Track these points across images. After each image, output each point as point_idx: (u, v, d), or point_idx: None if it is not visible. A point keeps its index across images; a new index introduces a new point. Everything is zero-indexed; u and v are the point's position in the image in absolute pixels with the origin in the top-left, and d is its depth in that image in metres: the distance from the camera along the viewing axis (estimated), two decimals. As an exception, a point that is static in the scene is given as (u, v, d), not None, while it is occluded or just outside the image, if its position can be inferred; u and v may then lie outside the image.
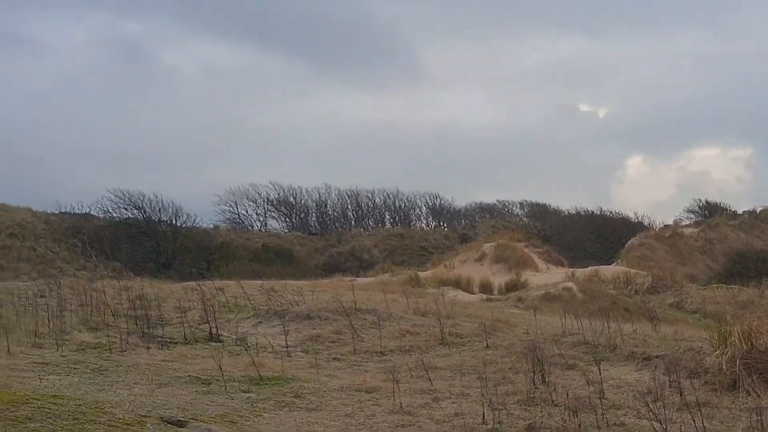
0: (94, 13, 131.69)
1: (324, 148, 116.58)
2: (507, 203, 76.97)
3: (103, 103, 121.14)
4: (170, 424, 8.38)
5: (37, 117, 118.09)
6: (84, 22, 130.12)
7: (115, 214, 54.34)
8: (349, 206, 73.18)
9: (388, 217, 74.23)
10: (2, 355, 12.17)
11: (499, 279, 35.83)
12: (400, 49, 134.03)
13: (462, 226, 70.69)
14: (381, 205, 73.99)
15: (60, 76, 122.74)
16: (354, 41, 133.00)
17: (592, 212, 70.01)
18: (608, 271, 39.91)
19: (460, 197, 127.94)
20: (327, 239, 62.55)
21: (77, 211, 55.26)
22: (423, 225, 73.82)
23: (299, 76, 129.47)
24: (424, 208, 75.05)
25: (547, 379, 10.99)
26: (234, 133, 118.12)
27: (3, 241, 47.93)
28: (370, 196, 73.33)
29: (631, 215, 71.88)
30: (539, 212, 73.73)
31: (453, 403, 10.00)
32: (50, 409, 8.31)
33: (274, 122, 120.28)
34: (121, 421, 8.18)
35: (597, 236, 63.15)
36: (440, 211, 75.18)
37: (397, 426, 8.92)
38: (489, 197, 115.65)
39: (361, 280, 36.12)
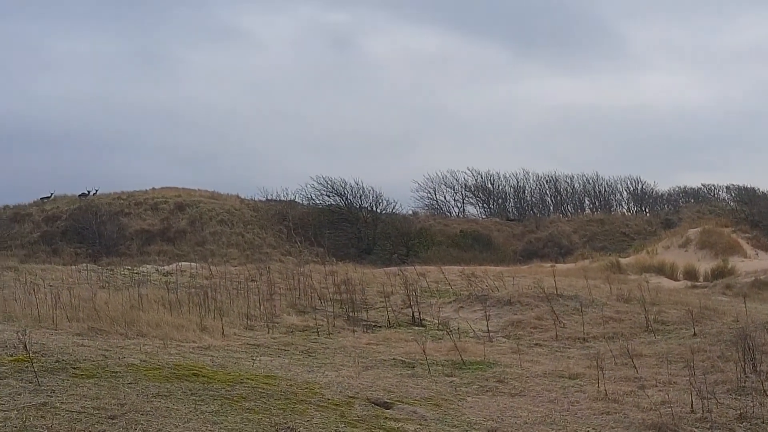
0: (302, 4, 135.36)
1: (523, 133, 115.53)
2: (713, 187, 74.07)
3: (309, 92, 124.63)
4: (377, 405, 8.57)
5: (249, 108, 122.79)
6: (293, 14, 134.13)
7: (318, 201, 55.64)
8: (548, 191, 72.32)
9: (587, 202, 72.88)
10: (217, 336, 12.77)
11: (705, 265, 34.62)
12: (602, 31, 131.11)
13: (665, 211, 68.51)
14: (580, 190, 72.71)
15: (270, 67, 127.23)
16: (556, 24, 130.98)
17: (807, 195, 66.40)
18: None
19: (663, 181, 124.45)
20: (525, 225, 62.03)
21: (282, 198, 56.92)
22: (624, 210, 72.08)
23: (499, 61, 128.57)
24: (624, 192, 73.27)
25: (758, 368, 10.58)
26: (433, 120, 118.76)
27: (213, 227, 49.96)
28: (569, 181, 72.24)
29: None
30: (747, 196, 70.59)
31: (660, 391, 9.80)
32: (263, 388, 8.64)
33: (474, 108, 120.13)
34: (330, 401, 8.42)
35: (812, 221, 59.80)
36: (642, 196, 73.17)
37: (602, 413, 8.81)
38: (693, 181, 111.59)
39: (560, 266, 35.68)
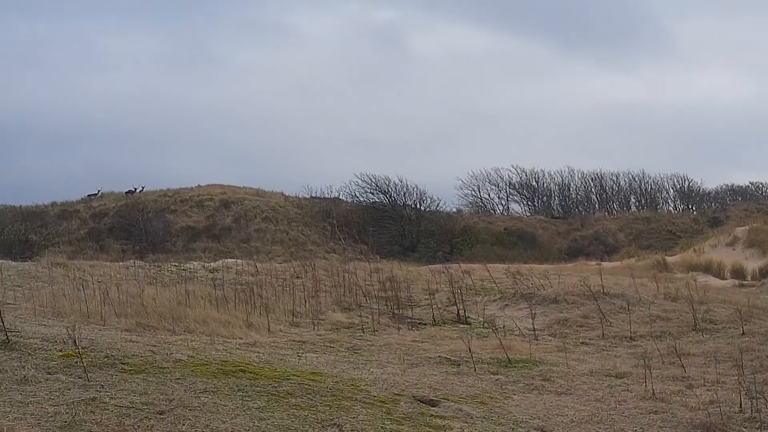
0: (348, 2, 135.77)
1: (568, 131, 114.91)
2: (761, 185, 73.21)
3: (354, 90, 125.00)
4: (423, 403, 8.56)
5: (295, 105, 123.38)
6: (338, 12, 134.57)
7: (362, 199, 55.80)
8: (593, 189, 71.85)
9: (633, 200, 72.31)
10: (263, 333, 12.84)
11: (753, 264, 34.15)
12: (650, 27, 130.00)
13: (712, 210, 67.76)
14: (626, 188, 72.14)
15: (316, 65, 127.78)
16: (602, 19, 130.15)
17: None
18: None
19: (710, 179, 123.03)
20: (570, 223, 61.70)
21: (327, 196, 57.09)
22: (670, 208, 71.41)
23: (545, 58, 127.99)
24: (671, 190, 72.59)
25: (808, 368, 10.45)
26: (478, 117, 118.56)
27: (258, 224, 50.25)
28: (614, 178, 71.70)
29: None
30: (796, 194, 69.80)
31: (708, 390, 9.70)
32: (309, 385, 8.67)
33: (518, 105, 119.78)
34: (376, 398, 8.43)
35: None
36: (689, 194, 72.42)
37: (650, 412, 8.73)
38: (741, 179, 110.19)
39: (605, 264, 35.42)
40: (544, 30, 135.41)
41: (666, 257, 37.11)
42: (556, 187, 71.20)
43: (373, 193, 55.86)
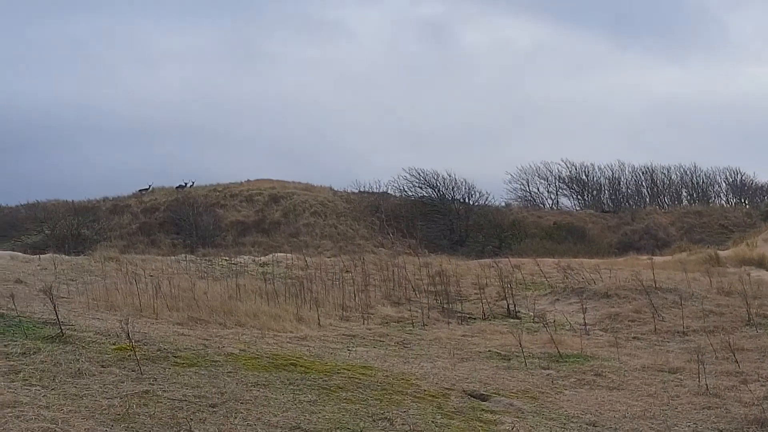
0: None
1: (619, 124, 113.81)
2: (815, 178, 71.94)
3: (403, 84, 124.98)
4: (473, 397, 8.54)
5: (343, 100, 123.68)
6: (386, 6, 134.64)
7: (410, 193, 55.66)
8: (644, 183, 71.05)
9: (685, 194, 71.41)
10: (314, 327, 12.89)
11: (808, 259, 33.61)
12: (703, 19, 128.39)
13: (765, 203, 66.68)
14: (677, 182, 71.24)
15: (364, 60, 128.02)
16: (655, 13, 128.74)
17: None
18: None
19: (763, 173, 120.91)
20: (620, 217, 61.01)
21: (375, 190, 57.05)
22: (722, 202, 70.40)
23: (596, 51, 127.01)
24: (723, 184, 71.56)
25: None
26: (527, 111, 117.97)
27: (307, 219, 50.38)
28: (665, 172, 70.83)
29: None
30: None
31: (762, 386, 9.57)
32: (360, 379, 8.68)
33: (568, 99, 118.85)
34: (426, 393, 8.42)
35: None
36: (741, 188, 71.34)
37: (703, 408, 8.63)
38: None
39: (656, 258, 35.04)
40: (596, 23, 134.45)
41: (718, 251, 36.60)
42: (607, 181, 70.51)
43: (421, 188, 55.77)
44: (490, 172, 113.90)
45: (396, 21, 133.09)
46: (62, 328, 9.47)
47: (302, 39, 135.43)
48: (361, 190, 57.74)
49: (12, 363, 7.85)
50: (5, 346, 8.53)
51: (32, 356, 8.19)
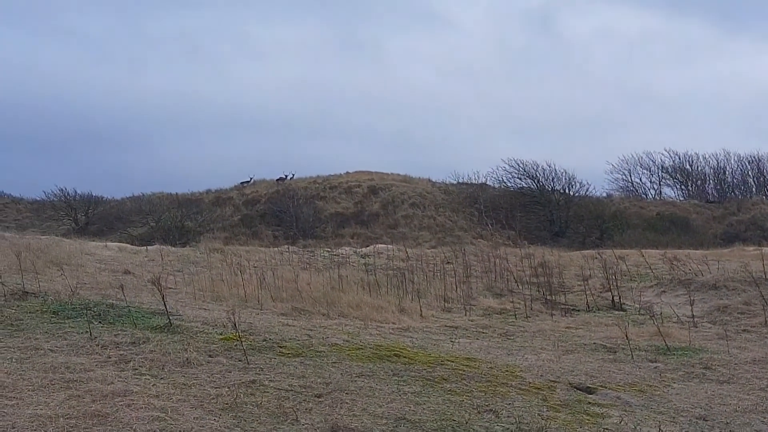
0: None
1: (726, 113, 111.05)
2: None
3: (507, 74, 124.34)
4: (579, 390, 8.42)
5: (445, 91, 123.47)
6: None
7: (509, 184, 55.19)
8: (750, 173, 69.18)
9: (793, 183, 69.31)
10: (416, 318, 12.89)
11: None
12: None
13: None
14: (785, 171, 69.21)
15: (469, 50, 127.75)
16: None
17: None
18: None
19: None
20: (726, 207, 59.54)
21: (473, 182, 56.78)
22: (832, 191, 68.13)
23: (704, 39, 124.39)
24: (832, 172, 69.21)
25: None
26: (632, 101, 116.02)
27: (406, 210, 50.42)
28: (773, 161, 68.86)
29: None
30: None
31: None
32: (464, 370, 8.64)
33: (676, 88, 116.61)
34: (531, 385, 8.34)
35: None
36: None
37: (818, 403, 8.35)
38: None
39: (765, 250, 34.13)
40: (704, 10, 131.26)
41: (828, 242, 35.48)
42: (711, 170, 68.86)
43: (520, 178, 55.30)
44: (592, 163, 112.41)
45: (499, 11, 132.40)
46: (170, 318, 9.65)
47: (404, 30, 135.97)
48: (460, 181, 57.57)
49: (122, 352, 8.03)
50: (115, 335, 8.73)
51: (141, 346, 8.37)
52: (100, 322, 9.47)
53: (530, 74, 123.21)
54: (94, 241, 25.28)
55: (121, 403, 6.28)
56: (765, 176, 68.97)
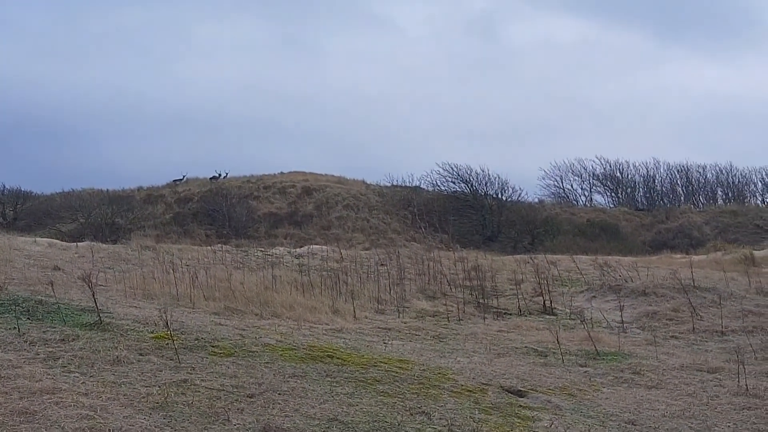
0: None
1: (657, 122, 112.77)
2: None
3: (445, 79, 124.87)
4: (511, 393, 8.49)
5: (382, 93, 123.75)
6: (434, 0, 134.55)
7: (443, 188, 55.48)
8: (679, 181, 70.44)
9: (720, 193, 70.73)
10: (349, 319, 12.89)
11: None
12: (748, 17, 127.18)
13: (802, 204, 66.03)
14: (713, 181, 70.54)
15: (409, 54, 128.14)
16: (699, 10, 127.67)
17: None
18: None
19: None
20: (655, 215, 60.49)
21: (408, 184, 56.99)
22: (758, 202, 69.62)
23: (641, 49, 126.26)
24: (759, 184, 70.79)
25: None
26: (565, 108, 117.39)
27: (340, 212, 50.43)
28: (701, 171, 70.18)
29: None
30: None
31: (804, 387, 9.44)
32: (396, 372, 8.67)
33: (610, 96, 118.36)
34: (463, 387, 8.38)
35: None
36: (777, 188, 70.58)
37: (743, 408, 8.51)
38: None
39: (693, 257, 34.80)
40: (641, 20, 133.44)
41: (753, 251, 36.28)
42: (641, 178, 69.99)
43: (454, 182, 55.63)
44: (525, 169, 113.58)
45: (444, 16, 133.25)
46: (101, 315, 9.52)
47: (346, 33, 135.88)
48: (394, 184, 57.72)
49: (51, 349, 7.90)
50: (44, 332, 8.59)
51: (71, 343, 8.24)
52: (28, 318, 9.30)
53: (470, 80, 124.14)
54: (22, 236, 24.81)
55: (49, 401, 6.17)
56: (693, 185, 70.32)
